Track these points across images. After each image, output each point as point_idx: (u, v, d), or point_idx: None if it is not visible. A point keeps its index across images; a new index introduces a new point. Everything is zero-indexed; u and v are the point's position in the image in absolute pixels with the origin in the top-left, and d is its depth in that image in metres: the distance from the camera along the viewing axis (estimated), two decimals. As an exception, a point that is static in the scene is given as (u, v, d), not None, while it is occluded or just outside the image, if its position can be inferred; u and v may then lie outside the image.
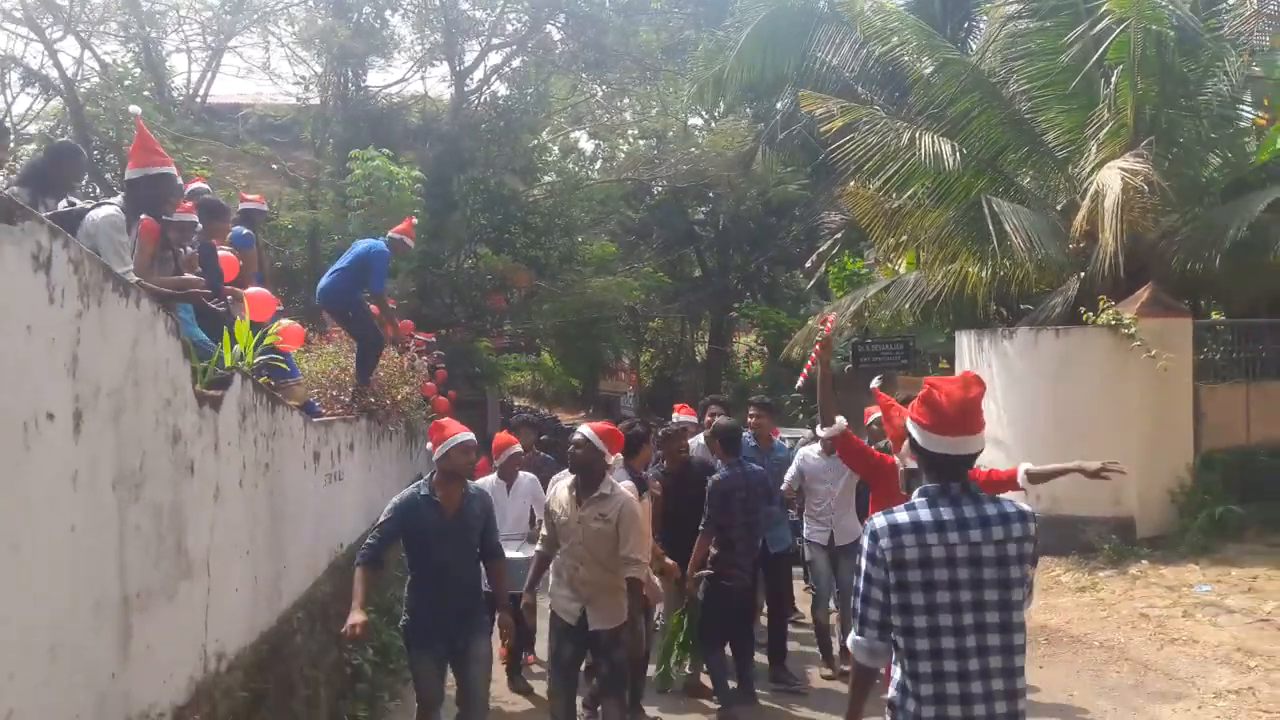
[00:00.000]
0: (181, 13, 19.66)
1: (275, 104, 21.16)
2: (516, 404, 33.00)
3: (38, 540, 2.34)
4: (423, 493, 4.73)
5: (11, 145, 17.08)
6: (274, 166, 20.67)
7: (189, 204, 5.72)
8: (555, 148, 28.16)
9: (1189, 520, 8.89)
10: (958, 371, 10.99)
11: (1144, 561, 8.62)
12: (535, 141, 23.92)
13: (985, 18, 13.84)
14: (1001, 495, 2.94)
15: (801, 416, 21.09)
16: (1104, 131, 10.32)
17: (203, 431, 3.63)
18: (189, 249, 5.44)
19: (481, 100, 21.94)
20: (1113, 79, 10.24)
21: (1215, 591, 7.62)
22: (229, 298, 5.85)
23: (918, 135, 10.78)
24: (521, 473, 6.75)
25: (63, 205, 4.51)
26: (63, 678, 2.46)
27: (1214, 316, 12.56)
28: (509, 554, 5.55)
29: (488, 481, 6.41)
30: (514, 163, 21.32)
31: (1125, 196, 8.78)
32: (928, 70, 11.83)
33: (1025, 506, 2.79)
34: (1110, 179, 8.94)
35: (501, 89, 22.56)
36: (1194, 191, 11.18)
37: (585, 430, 4.95)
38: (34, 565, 2.31)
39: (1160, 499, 9.14)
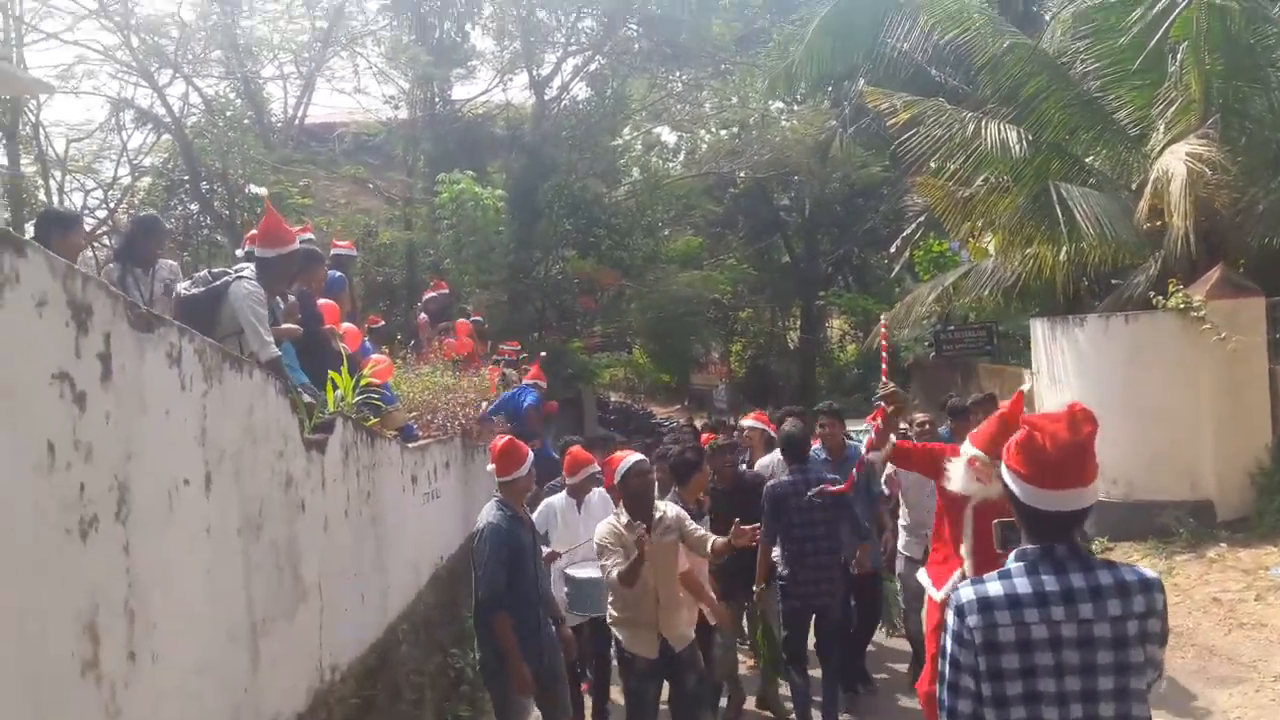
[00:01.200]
0: (276, 42, 20.75)
1: (367, 121, 22.15)
2: (612, 399, 33.66)
3: (183, 583, 2.90)
4: (509, 513, 4.89)
5: (98, 223, 18.39)
6: (370, 185, 21.74)
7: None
8: (638, 144, 28.61)
9: (1268, 502, 8.85)
10: (1034, 359, 11.11)
11: (1222, 545, 8.63)
12: (616, 142, 24.46)
13: (1056, -6, 13.73)
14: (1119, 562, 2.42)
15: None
16: (1172, 109, 10.28)
17: (310, 473, 4.19)
18: (292, 299, 6.03)
19: (561, 106, 22.54)
20: (1178, 55, 10.17)
21: (1290, 573, 7.64)
22: (329, 336, 6.50)
23: (983, 125, 10.86)
24: (595, 489, 6.51)
25: (180, 284, 5.11)
26: (207, 692, 3.02)
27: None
28: (587, 574, 5.58)
29: (558, 500, 6.33)
30: (595, 166, 21.92)
31: (1191, 179, 8.78)
32: (997, 53, 11.81)
33: (1150, 574, 2.30)
34: (1173, 164, 8.95)
35: (581, 91, 23.18)
36: (1273, 164, 10.99)
37: (639, 459, 5.06)
38: (181, 603, 2.86)
39: (1239, 481, 9.11)
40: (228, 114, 20.20)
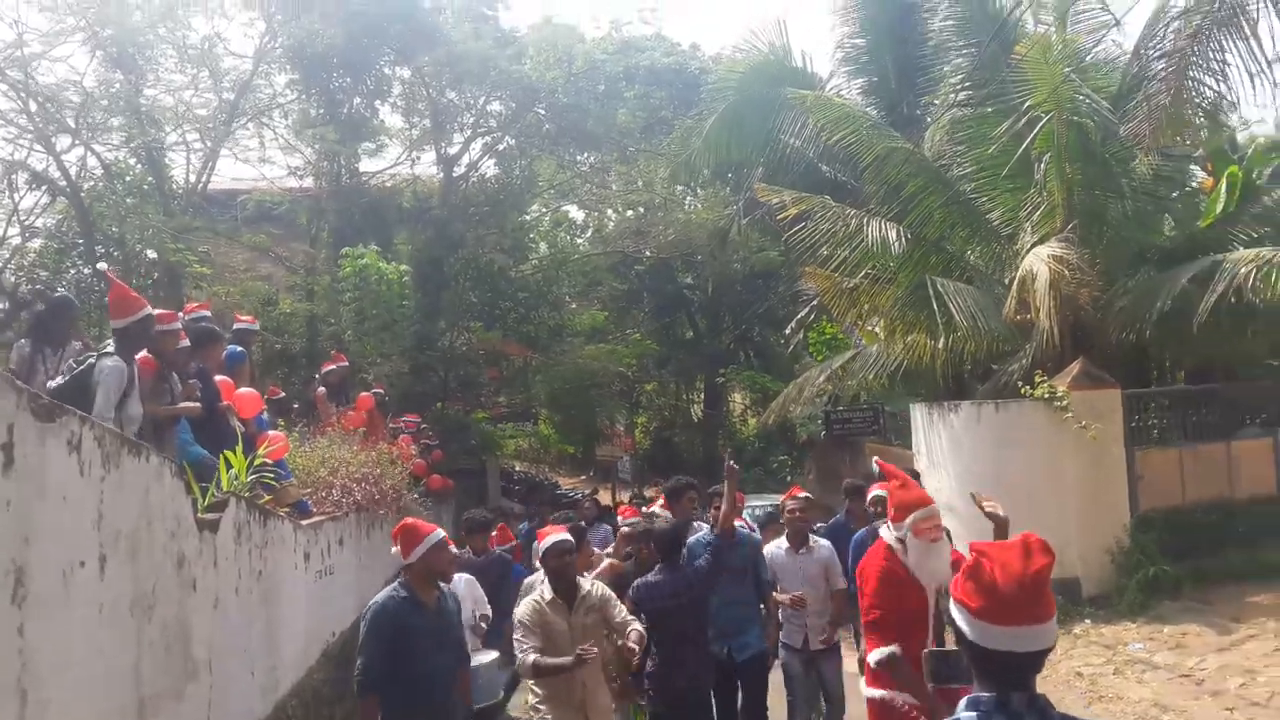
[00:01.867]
0: (180, 112, 20.75)
1: (271, 190, 22.14)
2: (517, 469, 33.61)
3: (76, 661, 3.01)
4: (402, 594, 4.58)
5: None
6: (271, 253, 21.69)
7: (183, 332, 6.44)
8: (547, 218, 29.14)
9: (1126, 580, 9.45)
10: (915, 441, 11.68)
11: (1087, 621, 9.15)
12: (524, 217, 24.89)
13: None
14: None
15: (790, 478, 21.68)
16: (1038, 213, 11.13)
17: (203, 552, 4.30)
18: (192, 381, 6.12)
19: (470, 183, 22.90)
20: (1043, 164, 11.03)
21: (1146, 649, 8.15)
22: (225, 412, 6.59)
23: (866, 222, 11.58)
24: (456, 575, 5.96)
25: (69, 362, 5.23)
26: (93, 771, 3.11)
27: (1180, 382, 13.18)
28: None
29: None
30: (503, 242, 22.25)
31: (1053, 279, 9.50)
32: (880, 155, 12.58)
33: None
34: (1036, 265, 9.68)
35: (489, 169, 23.60)
36: (1132, 264, 11.91)
37: (563, 537, 5.04)
38: (74, 680, 2.97)
39: (1101, 560, 9.71)
40: (126, 179, 20.02)
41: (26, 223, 20.53)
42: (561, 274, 24.78)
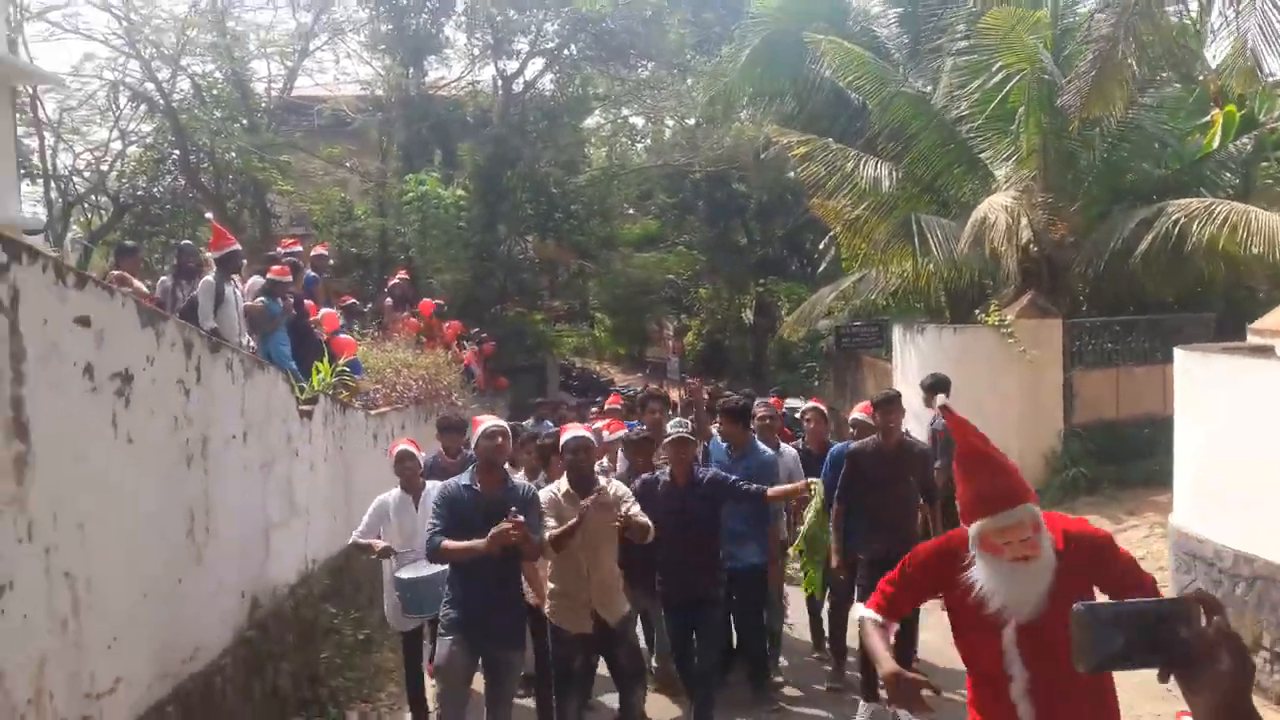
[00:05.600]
0: (261, 37, 22.71)
1: (346, 97, 24.04)
2: (577, 364, 35.80)
3: (232, 501, 5.03)
4: (464, 481, 4.86)
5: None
6: (346, 164, 23.79)
7: (284, 267, 8.44)
8: (606, 128, 30.44)
9: (1054, 478, 11.15)
10: (894, 359, 13.32)
11: (1012, 512, 10.90)
12: (584, 124, 26.32)
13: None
14: None
15: (818, 384, 23.36)
16: (1013, 160, 12.45)
17: (302, 432, 6.34)
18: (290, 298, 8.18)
19: (526, 99, 24.45)
20: (1018, 115, 12.30)
21: (1046, 534, 9.88)
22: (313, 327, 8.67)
23: (861, 163, 13.03)
24: (429, 482, 5.97)
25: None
26: (242, 564, 5.17)
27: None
28: (419, 574, 5.39)
29: (392, 495, 5.97)
30: (558, 156, 23.91)
31: (1010, 225, 10.93)
32: (885, 97, 13.83)
33: None
34: (989, 212, 11.08)
35: (546, 86, 25.10)
36: (1115, 203, 13.09)
37: (581, 433, 5.21)
38: (231, 508, 5.00)
39: (1036, 463, 11.33)
40: (214, 92, 22.10)
41: (125, 130, 22.92)
42: (614, 185, 26.29)
